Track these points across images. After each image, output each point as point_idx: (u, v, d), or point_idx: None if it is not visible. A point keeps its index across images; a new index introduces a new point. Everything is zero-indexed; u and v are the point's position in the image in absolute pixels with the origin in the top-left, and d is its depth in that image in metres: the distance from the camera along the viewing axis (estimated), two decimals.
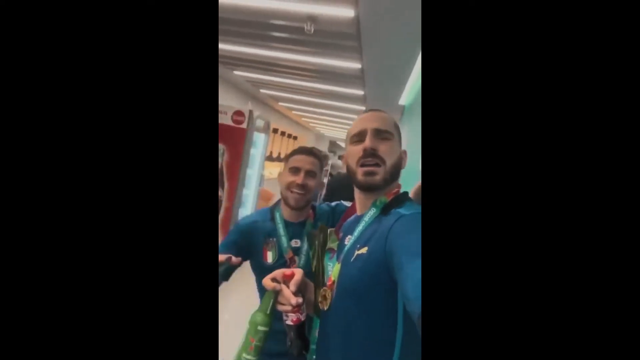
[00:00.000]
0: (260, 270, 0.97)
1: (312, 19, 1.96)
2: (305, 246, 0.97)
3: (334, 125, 8.51)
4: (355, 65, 2.83)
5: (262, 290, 0.99)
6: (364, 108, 4.89)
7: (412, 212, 0.58)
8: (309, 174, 0.96)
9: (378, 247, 0.56)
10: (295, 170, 0.96)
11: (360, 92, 3.90)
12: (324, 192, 2.87)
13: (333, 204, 1.11)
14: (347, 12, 1.83)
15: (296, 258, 0.96)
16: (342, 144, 13.71)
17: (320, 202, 1.11)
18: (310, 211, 1.04)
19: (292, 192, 0.95)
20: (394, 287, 0.53)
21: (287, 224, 0.99)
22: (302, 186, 0.94)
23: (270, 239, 0.97)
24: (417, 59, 2.46)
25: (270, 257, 0.96)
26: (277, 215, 1.00)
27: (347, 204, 1.04)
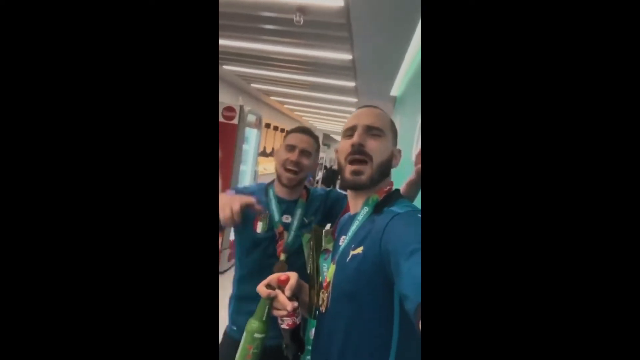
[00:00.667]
0: (247, 240, 1.00)
1: (301, 9, 1.93)
2: (296, 222, 1.00)
3: (327, 118, 8.48)
4: (346, 56, 2.80)
5: (242, 259, 1.03)
6: (356, 100, 4.86)
7: (406, 210, 0.58)
8: (304, 152, 0.97)
9: (373, 247, 0.55)
10: (290, 148, 0.98)
11: (352, 84, 3.87)
12: (319, 177, 2.84)
13: (327, 189, 1.12)
14: (336, 2, 1.80)
15: (285, 233, 0.99)
16: (335, 137, 13.69)
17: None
18: (304, 191, 1.05)
19: (286, 169, 0.98)
20: (390, 287, 0.53)
21: (279, 201, 1.02)
22: (296, 163, 0.96)
23: (263, 211, 0.99)
24: (408, 49, 2.44)
25: (259, 227, 0.99)
26: (271, 192, 1.03)
27: (342, 191, 1.06)
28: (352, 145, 0.63)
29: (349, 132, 0.66)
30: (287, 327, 0.60)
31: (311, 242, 0.71)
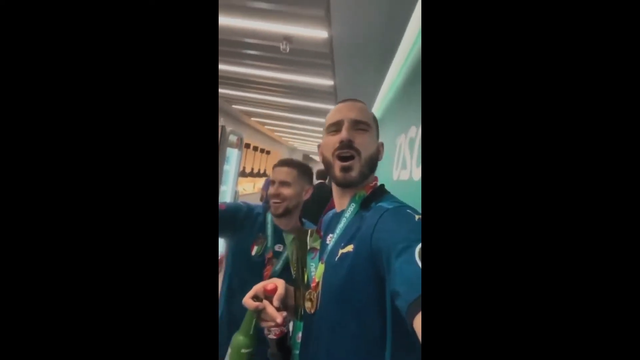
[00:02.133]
0: (241, 258, 1.04)
1: (287, 38, 2.02)
2: (286, 253, 1.03)
3: (307, 139, 8.60)
4: (328, 82, 2.92)
5: (233, 266, 1.05)
6: None
7: (394, 205, 0.57)
8: (283, 184, 1.03)
9: (364, 245, 0.54)
10: (272, 183, 1.06)
11: (333, 107, 4.00)
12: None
13: None
14: (320, 33, 1.91)
15: (274, 260, 1.03)
16: (316, 158, 13.82)
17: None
18: (299, 223, 1.09)
19: (271, 202, 1.04)
20: (382, 285, 0.52)
21: (276, 229, 1.06)
22: (276, 195, 1.03)
23: (261, 236, 1.05)
24: (386, 75, 2.59)
25: (255, 250, 1.04)
26: (269, 218, 1.07)
27: None
28: (341, 141, 0.60)
29: (333, 127, 0.63)
30: (274, 337, 0.58)
31: (296, 243, 0.68)
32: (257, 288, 0.58)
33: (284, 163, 1.08)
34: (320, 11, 1.72)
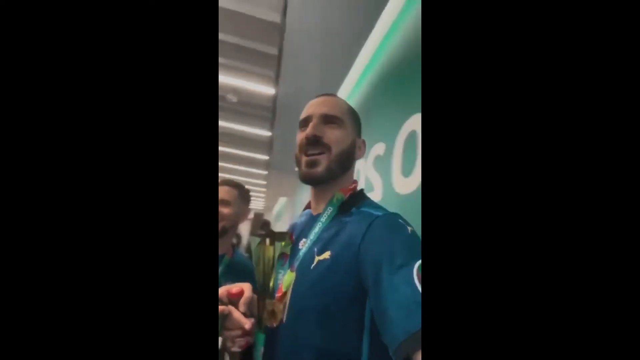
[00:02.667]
0: None
1: (235, 91, 2.21)
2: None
3: None
4: (266, 133, 3.14)
5: None
6: (266, 172, 5.15)
7: (383, 213, 0.53)
8: (222, 202, 1.02)
9: (346, 253, 0.50)
10: None
11: (267, 157, 4.18)
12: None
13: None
14: (268, 90, 2.15)
15: None
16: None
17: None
18: (230, 249, 1.05)
19: None
20: (361, 297, 0.48)
21: None
22: None
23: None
24: None
25: None
26: None
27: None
28: (307, 138, 0.57)
29: (303, 123, 0.60)
30: (239, 350, 0.51)
31: (264, 247, 0.63)
32: (221, 292, 0.52)
33: (225, 182, 1.09)
34: (270, 72, 1.97)
